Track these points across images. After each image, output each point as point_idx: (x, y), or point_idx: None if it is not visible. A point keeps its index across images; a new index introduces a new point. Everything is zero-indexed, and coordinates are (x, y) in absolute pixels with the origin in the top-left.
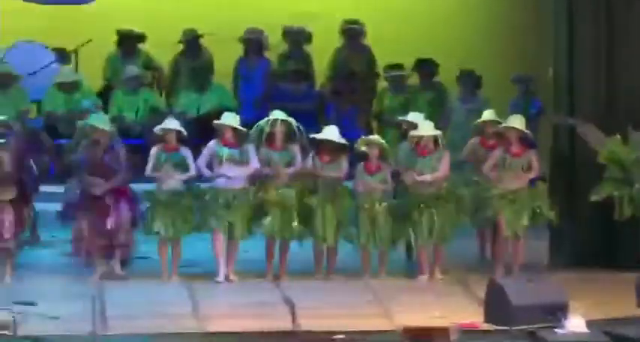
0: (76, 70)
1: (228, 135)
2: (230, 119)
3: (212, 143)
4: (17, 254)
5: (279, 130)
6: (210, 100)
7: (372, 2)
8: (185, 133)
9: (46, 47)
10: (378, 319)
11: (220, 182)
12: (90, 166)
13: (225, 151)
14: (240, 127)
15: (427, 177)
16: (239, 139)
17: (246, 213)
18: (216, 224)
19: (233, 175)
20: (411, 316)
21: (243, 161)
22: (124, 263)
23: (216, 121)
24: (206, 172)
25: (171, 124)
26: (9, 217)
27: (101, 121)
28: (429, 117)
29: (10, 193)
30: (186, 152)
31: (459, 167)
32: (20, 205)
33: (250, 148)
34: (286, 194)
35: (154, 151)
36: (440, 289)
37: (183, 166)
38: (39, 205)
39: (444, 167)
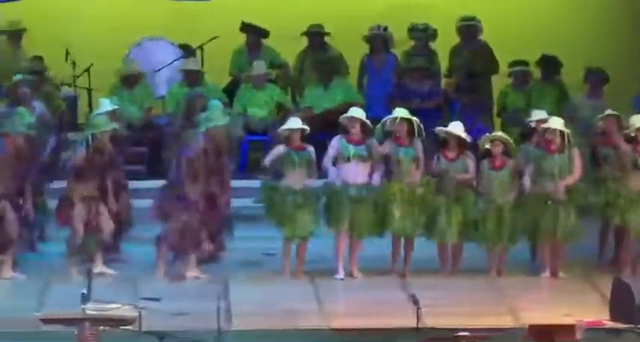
0: (202, 66)
1: (355, 130)
2: (358, 113)
3: (337, 140)
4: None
5: (402, 128)
6: (335, 96)
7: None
8: (308, 130)
9: (172, 44)
10: (502, 317)
11: (344, 179)
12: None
13: (352, 149)
14: (368, 122)
15: (565, 183)
16: (365, 135)
17: (371, 210)
18: (340, 222)
19: (359, 173)
20: (535, 313)
21: (369, 158)
22: (212, 260)
23: (343, 116)
24: (331, 171)
25: (295, 123)
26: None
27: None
28: (551, 114)
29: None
30: (311, 150)
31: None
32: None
33: (375, 144)
34: (412, 191)
35: (282, 149)
36: (563, 286)
37: (310, 164)
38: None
39: (577, 169)
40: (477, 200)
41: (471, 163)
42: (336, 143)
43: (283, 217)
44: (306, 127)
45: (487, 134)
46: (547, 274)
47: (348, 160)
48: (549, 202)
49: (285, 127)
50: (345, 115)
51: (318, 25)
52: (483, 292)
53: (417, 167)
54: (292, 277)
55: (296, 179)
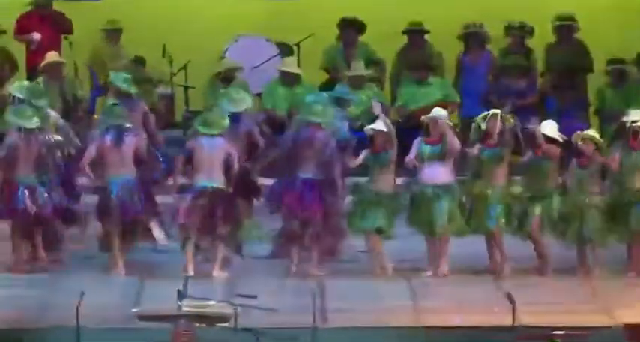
0: (298, 64)
1: (435, 131)
2: (439, 114)
3: (417, 141)
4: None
5: (495, 126)
6: (432, 94)
7: None
8: (392, 133)
9: (269, 41)
10: (597, 315)
11: (423, 181)
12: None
13: (427, 149)
14: (448, 122)
15: None
16: (444, 134)
17: (453, 208)
18: (418, 224)
19: (436, 173)
20: (630, 312)
21: (445, 157)
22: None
23: (425, 116)
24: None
25: (379, 125)
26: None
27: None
28: None
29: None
30: (392, 153)
31: None
32: (232, 196)
33: (451, 141)
34: (490, 190)
35: (364, 153)
36: None
37: (390, 166)
38: None
39: None
40: (562, 197)
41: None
42: (416, 144)
43: (364, 215)
44: (386, 130)
45: (578, 132)
46: (633, 274)
47: (423, 161)
48: (632, 199)
49: (370, 126)
50: (424, 116)
51: (417, 23)
52: (578, 291)
53: (500, 167)
54: (379, 274)
55: (373, 180)
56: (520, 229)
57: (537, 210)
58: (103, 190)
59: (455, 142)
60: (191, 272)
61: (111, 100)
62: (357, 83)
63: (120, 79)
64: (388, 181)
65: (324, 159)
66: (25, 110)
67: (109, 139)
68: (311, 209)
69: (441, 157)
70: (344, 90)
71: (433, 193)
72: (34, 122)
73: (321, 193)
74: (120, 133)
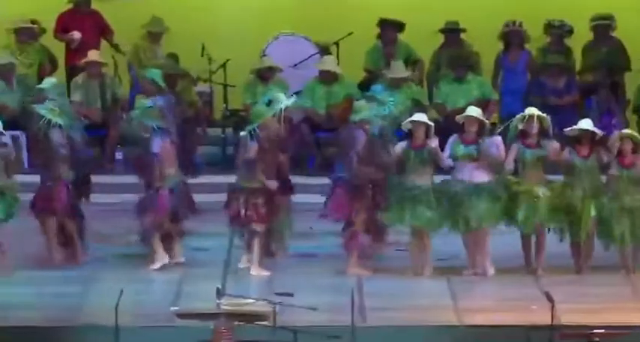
0: (338, 62)
1: (472, 129)
2: (474, 113)
3: (453, 138)
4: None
5: (533, 126)
6: (470, 92)
7: None
8: (432, 126)
9: (308, 40)
10: (637, 314)
11: (459, 178)
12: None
13: (462, 149)
14: (486, 121)
15: None
16: (480, 134)
17: (492, 206)
18: (452, 220)
19: (471, 172)
20: None
21: (480, 157)
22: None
23: (459, 115)
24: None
25: (418, 117)
26: (260, 203)
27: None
28: None
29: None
30: (432, 148)
31: None
32: (272, 193)
33: (486, 145)
34: (536, 188)
35: (402, 145)
36: None
37: (430, 162)
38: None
39: None
40: (606, 197)
41: (604, 159)
42: (451, 141)
43: (399, 210)
44: (429, 122)
45: (616, 132)
46: None
47: (457, 159)
48: None
49: (408, 119)
50: (460, 115)
51: (454, 21)
52: (617, 289)
53: (541, 167)
54: (419, 273)
55: (414, 176)
56: (574, 229)
57: (593, 210)
58: (162, 189)
59: (496, 155)
60: (251, 271)
61: (143, 99)
62: (396, 84)
63: (154, 74)
64: (426, 179)
65: (358, 157)
66: (54, 108)
67: (167, 140)
68: (342, 209)
69: (473, 157)
70: (378, 89)
71: (466, 190)
72: (64, 119)
73: (355, 193)
74: (169, 133)
